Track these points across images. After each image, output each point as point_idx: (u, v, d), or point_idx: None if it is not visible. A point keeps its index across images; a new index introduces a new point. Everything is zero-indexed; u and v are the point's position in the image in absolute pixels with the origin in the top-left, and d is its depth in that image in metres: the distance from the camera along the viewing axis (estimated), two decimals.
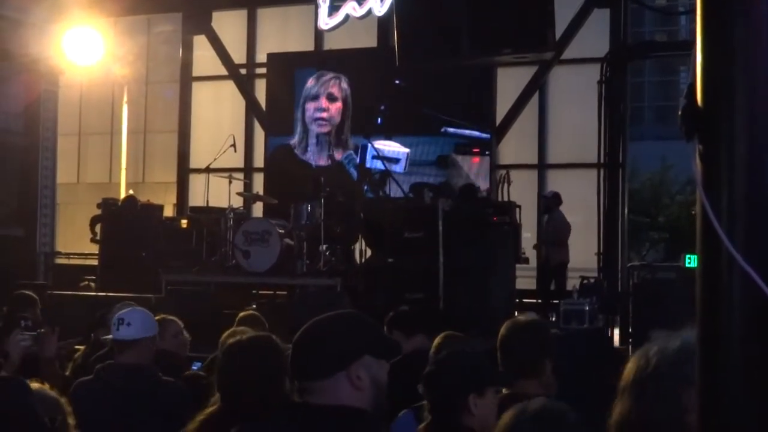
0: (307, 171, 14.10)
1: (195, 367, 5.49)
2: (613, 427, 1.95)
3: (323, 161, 14.49)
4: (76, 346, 6.22)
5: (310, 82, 14.68)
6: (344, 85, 14.52)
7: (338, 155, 14.36)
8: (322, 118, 14.57)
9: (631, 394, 1.91)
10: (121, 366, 4.30)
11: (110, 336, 4.43)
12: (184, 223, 12.96)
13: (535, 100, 14.36)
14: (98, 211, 12.70)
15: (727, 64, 1.43)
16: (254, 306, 9.73)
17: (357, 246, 11.82)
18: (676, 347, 1.90)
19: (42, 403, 3.02)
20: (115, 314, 5.38)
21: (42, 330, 4.48)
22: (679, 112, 1.51)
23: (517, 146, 14.47)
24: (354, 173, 14.24)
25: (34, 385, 3.25)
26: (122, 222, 12.31)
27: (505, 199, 11.89)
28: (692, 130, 1.48)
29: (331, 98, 14.56)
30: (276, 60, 15.28)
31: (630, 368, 1.94)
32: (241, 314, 6.02)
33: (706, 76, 1.46)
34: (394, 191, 12.12)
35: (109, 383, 4.24)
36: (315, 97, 14.61)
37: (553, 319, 11.07)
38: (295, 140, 14.73)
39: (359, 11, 14.32)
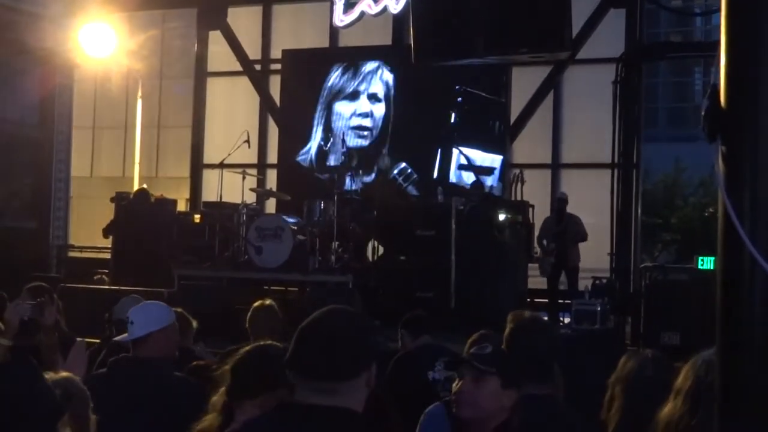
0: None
1: None
2: (660, 422, 1.96)
3: (357, 185, 12.34)
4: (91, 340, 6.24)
5: (337, 74, 14.27)
6: (387, 77, 13.63)
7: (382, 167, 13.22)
8: (364, 127, 13.95)
9: (685, 401, 1.91)
10: (130, 360, 4.33)
11: (125, 336, 4.46)
12: (197, 218, 12.96)
13: (549, 100, 14.32)
14: (111, 205, 12.77)
15: (751, 66, 1.42)
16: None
17: (369, 243, 11.80)
18: None
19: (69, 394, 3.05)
20: (119, 309, 5.41)
21: (42, 299, 4.53)
22: (702, 113, 1.50)
23: (530, 145, 14.44)
24: (413, 191, 13.28)
25: (63, 374, 3.30)
26: (135, 216, 12.35)
27: (519, 198, 11.86)
28: (715, 132, 1.47)
29: (374, 99, 13.83)
30: (291, 56, 15.27)
31: (687, 374, 1.94)
32: (256, 304, 5.92)
33: (730, 78, 1.46)
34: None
35: (118, 377, 4.26)
36: (353, 96, 14.16)
37: (565, 320, 11.05)
38: (311, 154, 14.37)
39: (374, 8, 14.30)
